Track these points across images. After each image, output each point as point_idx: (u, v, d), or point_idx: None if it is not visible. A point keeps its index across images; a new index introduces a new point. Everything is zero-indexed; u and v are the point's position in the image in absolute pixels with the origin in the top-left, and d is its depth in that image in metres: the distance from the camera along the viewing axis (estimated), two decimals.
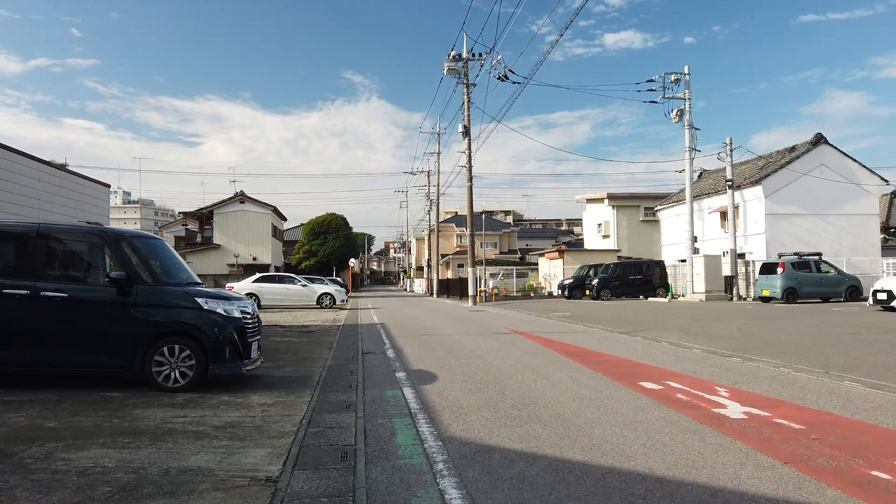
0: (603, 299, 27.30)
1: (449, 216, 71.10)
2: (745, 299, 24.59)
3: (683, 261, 30.04)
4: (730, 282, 24.65)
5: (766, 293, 22.24)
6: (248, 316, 6.80)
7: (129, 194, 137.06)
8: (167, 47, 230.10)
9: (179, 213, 58.75)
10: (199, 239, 45.71)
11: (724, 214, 28.48)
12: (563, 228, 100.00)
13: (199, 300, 6.34)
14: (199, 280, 7.31)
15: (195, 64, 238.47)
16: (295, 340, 12.10)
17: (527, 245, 71.36)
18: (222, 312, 6.42)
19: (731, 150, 24.98)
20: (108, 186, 15.90)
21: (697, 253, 26.12)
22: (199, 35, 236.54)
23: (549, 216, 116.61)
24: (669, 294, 27.72)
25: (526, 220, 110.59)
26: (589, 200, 43.31)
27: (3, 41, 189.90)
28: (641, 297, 28.35)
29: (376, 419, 5.29)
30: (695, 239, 26.27)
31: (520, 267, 42.60)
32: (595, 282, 27.77)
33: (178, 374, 6.21)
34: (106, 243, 6.33)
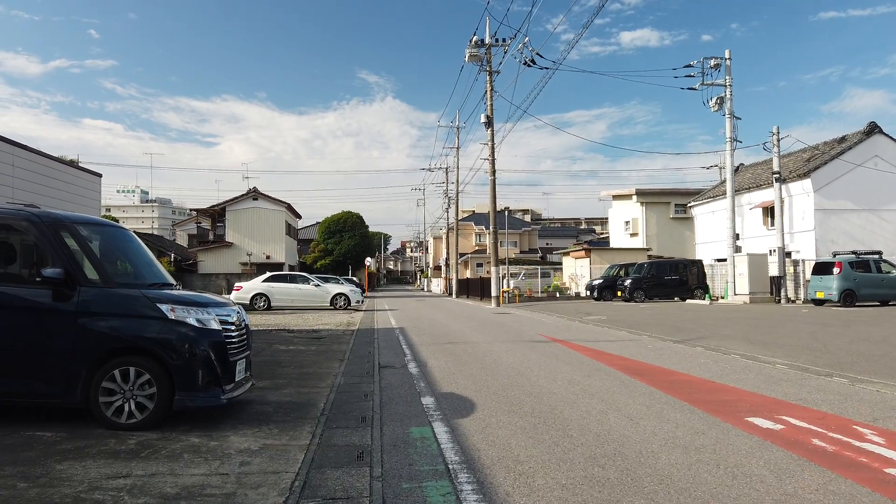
0: (636, 301, 25.45)
1: (466, 215, 69.42)
2: (793, 302, 22.63)
3: (721, 260, 28.09)
4: (777, 283, 22.67)
5: (820, 295, 20.29)
6: (232, 327, 5.22)
7: (146, 193, 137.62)
8: (183, 48, 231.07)
9: (191, 209, 57.76)
10: (211, 237, 44.53)
11: (766, 210, 26.49)
12: (582, 227, 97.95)
13: (163, 307, 4.76)
14: (172, 281, 5.74)
15: (211, 64, 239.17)
16: (302, 349, 10.55)
17: (547, 244, 69.48)
18: (194, 323, 4.84)
19: (779, 140, 22.98)
20: (100, 176, 14.51)
21: (740, 251, 24.17)
22: (215, 35, 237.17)
23: (567, 215, 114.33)
24: (707, 296, 25.80)
25: (544, 220, 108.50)
26: (615, 197, 41.34)
27: (23, 42, 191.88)
28: (676, 298, 26.47)
29: (400, 482, 3.66)
30: (737, 236, 24.32)
31: (542, 266, 40.79)
32: (628, 282, 25.91)
33: (133, 407, 4.64)
34: (40, 231, 4.77)
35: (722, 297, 25.08)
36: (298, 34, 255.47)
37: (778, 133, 22.99)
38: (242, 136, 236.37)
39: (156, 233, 76.92)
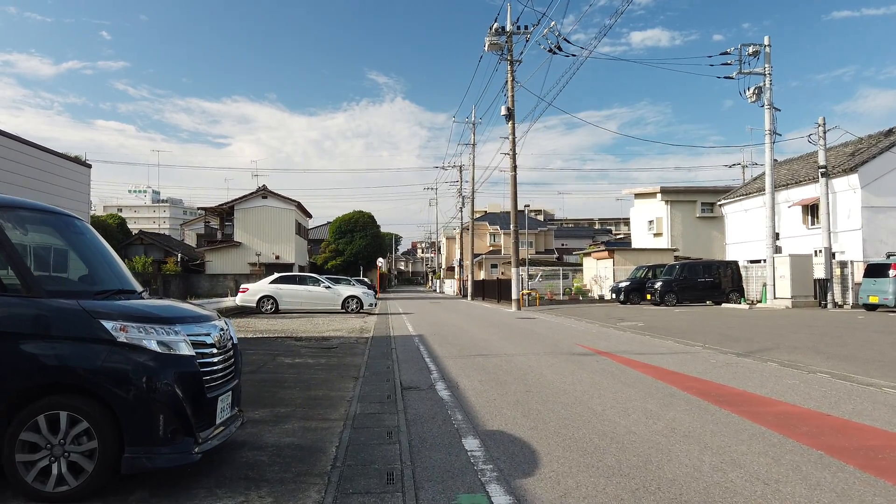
0: (668, 305, 23.86)
1: (479, 215, 67.85)
2: (841, 306, 20.95)
3: (756, 261, 26.48)
4: (823, 286, 21.00)
5: (873, 300, 18.63)
6: (211, 350, 3.82)
7: (158, 193, 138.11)
8: (194, 49, 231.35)
9: (198, 208, 56.69)
10: (219, 236, 43.35)
11: (806, 208, 24.84)
12: (597, 228, 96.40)
13: (109, 325, 3.37)
14: (136, 287, 4.35)
15: (221, 66, 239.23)
16: (310, 363, 9.16)
17: (562, 245, 67.92)
18: (155, 348, 3.44)
19: (825, 132, 21.28)
20: (90, 167, 13.23)
21: (780, 252, 22.53)
22: (225, 37, 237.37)
23: (580, 216, 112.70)
24: (742, 299, 24.20)
25: (557, 220, 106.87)
26: (637, 195, 39.70)
27: (36, 44, 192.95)
28: (708, 302, 24.85)
29: None
30: (776, 236, 22.67)
31: (560, 267, 39.18)
32: (658, 285, 24.30)
33: (64, 469, 3.25)
34: None
35: (759, 301, 23.42)
36: (308, 35, 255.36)
37: (824, 124, 21.28)
38: (253, 137, 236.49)
39: (168, 233, 76.02)
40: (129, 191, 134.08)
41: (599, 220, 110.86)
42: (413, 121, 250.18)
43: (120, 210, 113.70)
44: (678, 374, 7.83)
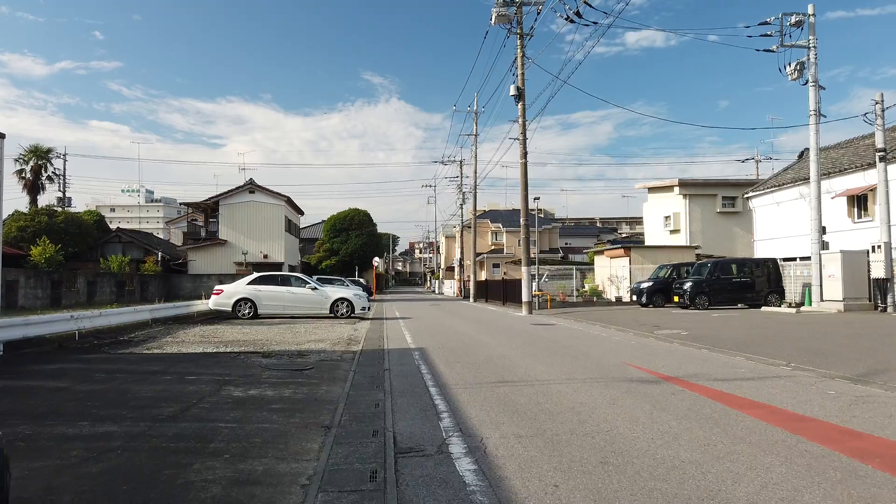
0: (698, 308, 21.20)
1: (478, 213, 65.11)
2: None
3: (790, 259, 23.89)
4: (882, 286, 18.35)
5: None
6: None
7: (151, 193, 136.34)
8: (188, 49, 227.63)
9: (181, 203, 53.86)
10: (203, 234, 40.57)
11: (852, 199, 22.22)
12: (599, 227, 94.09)
13: None
14: None
15: (216, 66, 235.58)
16: (267, 396, 6.49)
17: (566, 243, 65.30)
18: None
19: (884, 110, 18.61)
20: (3, 137, 10.62)
21: (826, 248, 19.91)
22: (219, 37, 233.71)
23: (580, 215, 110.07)
24: (782, 302, 21.60)
25: (559, 219, 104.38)
26: (651, 190, 37.06)
27: (28, 44, 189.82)
28: (741, 305, 22.24)
29: None
30: (823, 230, 20.04)
31: (572, 267, 36.48)
32: (688, 285, 21.62)
33: None
34: None
35: (801, 304, 20.79)
36: (303, 35, 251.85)
37: (882, 101, 18.56)
38: (248, 137, 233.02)
39: (160, 233, 72.80)
40: (123, 190, 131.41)
41: (601, 219, 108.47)
42: (408, 121, 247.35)
43: (113, 209, 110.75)
44: (815, 422, 5.18)
